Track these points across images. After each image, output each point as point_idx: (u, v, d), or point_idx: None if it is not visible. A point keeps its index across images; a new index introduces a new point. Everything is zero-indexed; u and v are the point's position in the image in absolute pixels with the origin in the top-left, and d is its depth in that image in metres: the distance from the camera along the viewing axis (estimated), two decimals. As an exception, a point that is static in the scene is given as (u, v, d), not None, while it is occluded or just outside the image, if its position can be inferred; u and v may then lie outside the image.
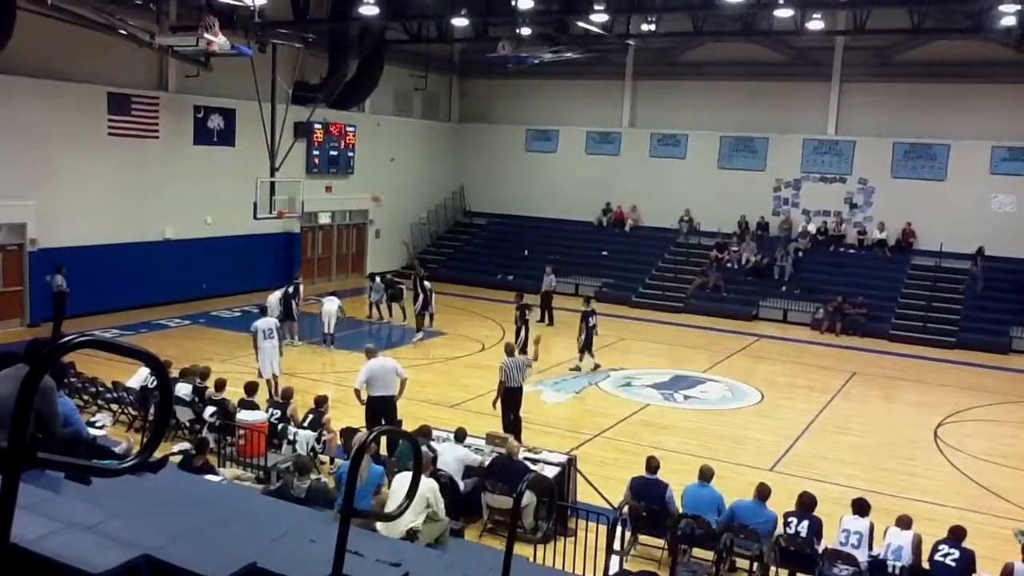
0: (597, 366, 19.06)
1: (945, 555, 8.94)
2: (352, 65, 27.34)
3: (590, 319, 18.91)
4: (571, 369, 18.86)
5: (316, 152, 28.35)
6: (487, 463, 10.59)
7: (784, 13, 22.76)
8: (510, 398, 13.52)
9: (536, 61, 27.73)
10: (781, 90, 29.37)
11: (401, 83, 32.15)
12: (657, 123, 31.63)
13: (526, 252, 30.99)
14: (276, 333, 15.36)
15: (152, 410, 12.43)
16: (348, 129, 29.47)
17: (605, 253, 30.45)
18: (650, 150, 31.78)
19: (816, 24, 23.84)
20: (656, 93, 31.65)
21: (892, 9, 23.95)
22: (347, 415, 13.09)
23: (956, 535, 9.14)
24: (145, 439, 2.93)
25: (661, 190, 31.06)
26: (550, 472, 10.67)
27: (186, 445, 10.80)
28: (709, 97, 30.44)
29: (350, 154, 29.73)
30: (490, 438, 11.44)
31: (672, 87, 31.13)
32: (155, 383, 10.33)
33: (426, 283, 22.03)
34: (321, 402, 12.15)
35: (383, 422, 11.93)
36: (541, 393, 17.05)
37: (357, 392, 12.46)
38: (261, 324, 15.34)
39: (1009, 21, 21.15)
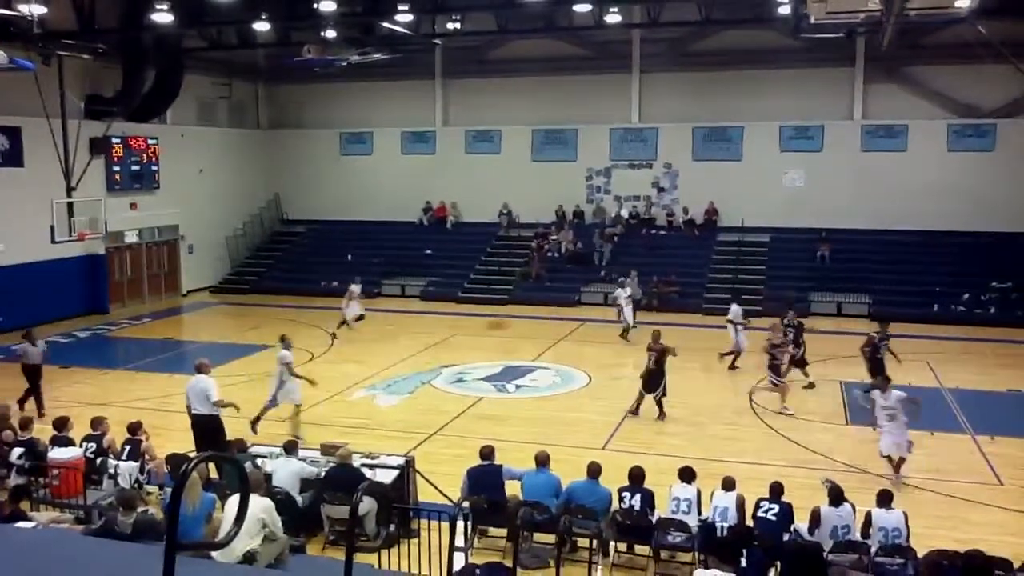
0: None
1: (767, 511, 9.60)
2: (149, 75, 26.03)
3: (881, 345, 16.35)
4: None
5: (117, 168, 26.83)
6: (323, 474, 10.43)
7: (583, 8, 23.52)
8: None
9: (343, 63, 27.37)
10: (586, 83, 30.40)
11: (204, 91, 30.96)
12: (470, 120, 32.01)
13: (349, 257, 30.60)
14: None
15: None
16: (150, 142, 28.06)
17: (429, 252, 30.54)
18: (466, 147, 32.12)
19: (613, 18, 24.78)
20: (467, 91, 32.01)
21: (683, 3, 25.25)
22: (170, 440, 12.54)
23: (775, 491, 9.82)
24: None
25: (479, 185, 31.48)
26: (388, 476, 10.63)
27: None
28: (519, 92, 31.09)
29: (154, 168, 28.33)
30: (325, 448, 11.25)
31: (483, 84, 31.58)
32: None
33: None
34: (135, 429, 11.45)
35: (206, 441, 11.61)
36: (374, 397, 16.93)
37: None
38: None
39: (784, 11, 22.74)
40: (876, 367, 15.78)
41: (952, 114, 27.88)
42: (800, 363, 17.53)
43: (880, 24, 22.31)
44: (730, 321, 19.80)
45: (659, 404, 15.64)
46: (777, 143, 29.19)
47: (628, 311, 22.45)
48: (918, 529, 9.54)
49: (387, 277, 29.57)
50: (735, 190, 29.12)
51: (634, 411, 15.73)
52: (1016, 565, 8.49)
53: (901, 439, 12.52)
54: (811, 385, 17.61)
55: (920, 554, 8.86)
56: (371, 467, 10.71)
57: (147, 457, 11.14)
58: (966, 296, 24.95)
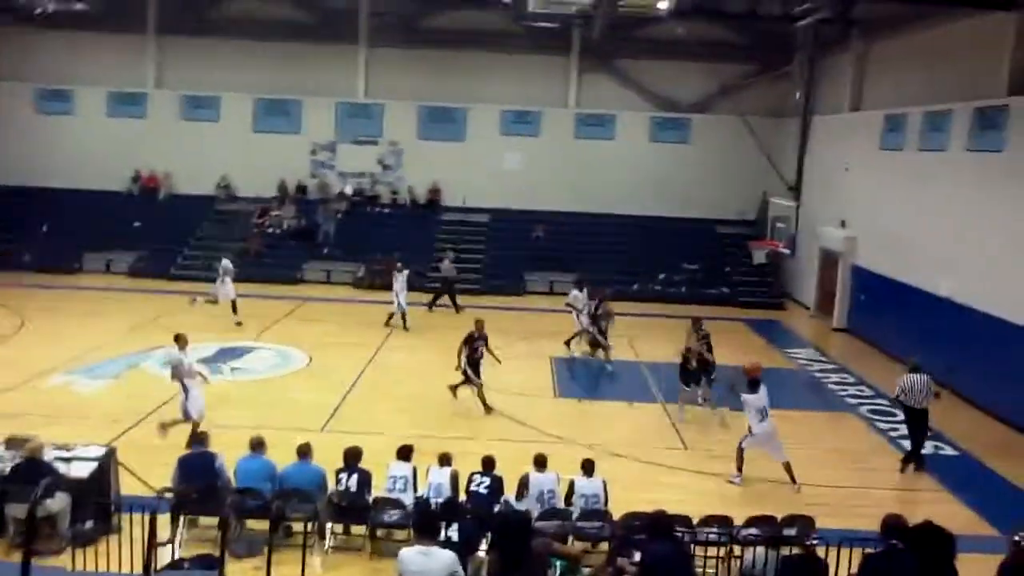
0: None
1: (479, 484, 10.03)
2: None
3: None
4: None
5: None
6: (8, 470, 9.49)
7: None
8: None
9: (39, 11, 24.76)
10: (313, 52, 29.66)
11: None
12: (187, 84, 30.14)
13: (44, 228, 27.81)
14: None
15: None
16: None
17: (138, 224, 28.46)
18: (181, 112, 30.24)
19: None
20: (185, 51, 30.05)
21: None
22: None
23: (487, 464, 10.27)
24: None
25: (196, 155, 29.81)
26: (87, 468, 9.88)
27: None
28: (242, 57, 29.69)
29: None
30: (11, 442, 10.23)
31: (202, 45, 29.81)
32: None
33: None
34: None
35: None
36: (73, 383, 15.62)
37: None
38: None
39: (506, -3, 23.55)
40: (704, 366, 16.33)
41: (654, 107, 30.26)
42: (594, 343, 19.00)
43: (592, 17, 23.87)
44: (569, 305, 20.21)
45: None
46: (498, 126, 30.18)
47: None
48: (616, 494, 10.36)
49: (90, 251, 27.25)
50: (458, 171, 29.78)
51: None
52: (695, 521, 9.52)
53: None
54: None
55: (616, 517, 9.66)
56: (66, 460, 9.90)
57: None
58: (662, 276, 27.33)
